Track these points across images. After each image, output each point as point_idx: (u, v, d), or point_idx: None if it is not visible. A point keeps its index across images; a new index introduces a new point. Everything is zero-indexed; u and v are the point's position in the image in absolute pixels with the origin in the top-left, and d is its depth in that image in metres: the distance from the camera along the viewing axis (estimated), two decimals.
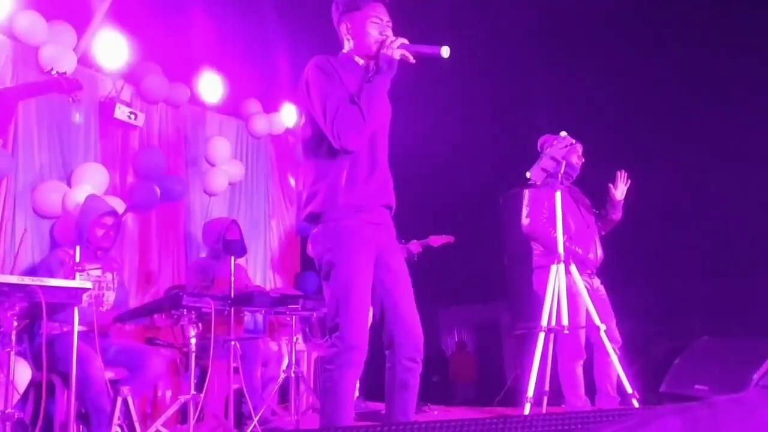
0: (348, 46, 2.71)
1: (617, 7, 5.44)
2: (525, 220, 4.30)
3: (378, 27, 2.64)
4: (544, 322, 3.68)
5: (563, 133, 3.78)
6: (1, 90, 2.39)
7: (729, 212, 6.31)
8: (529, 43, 5.71)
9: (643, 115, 6.26)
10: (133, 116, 5.19)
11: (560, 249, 3.78)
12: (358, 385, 3.80)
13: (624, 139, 6.40)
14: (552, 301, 3.68)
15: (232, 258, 4.35)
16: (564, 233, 4.12)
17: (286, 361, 4.84)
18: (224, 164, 6.08)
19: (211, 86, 5.97)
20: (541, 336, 3.67)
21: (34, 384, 3.65)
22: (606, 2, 5.32)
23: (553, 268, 3.74)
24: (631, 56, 5.87)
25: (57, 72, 2.63)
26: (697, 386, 4.52)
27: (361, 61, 2.68)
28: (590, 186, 4.45)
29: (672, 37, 5.74)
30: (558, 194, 3.83)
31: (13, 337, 2.95)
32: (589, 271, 4.26)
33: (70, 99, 2.78)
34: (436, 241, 5.50)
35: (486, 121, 6.16)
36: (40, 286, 2.90)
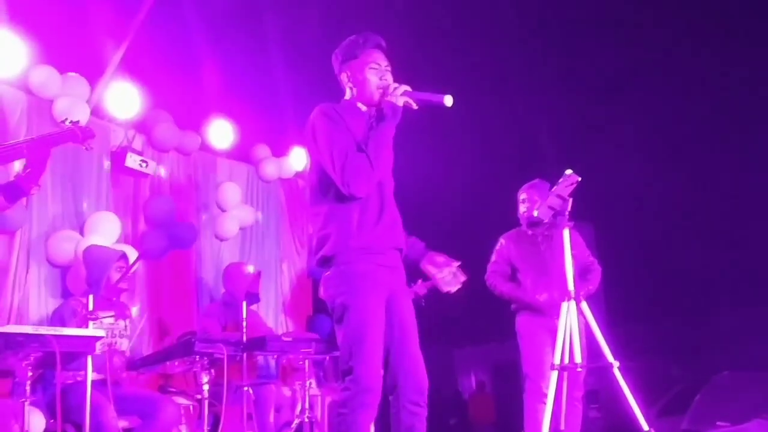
0: (350, 93, 2.77)
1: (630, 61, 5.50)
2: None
3: (377, 73, 2.70)
4: (556, 360, 3.65)
5: (569, 171, 3.80)
6: (19, 143, 2.45)
7: (747, 243, 6.28)
8: (537, 77, 5.78)
9: (661, 153, 6.27)
10: (144, 164, 5.27)
11: (570, 286, 3.77)
12: (373, 429, 3.77)
13: (637, 178, 6.42)
14: (564, 338, 3.66)
15: (244, 303, 4.36)
16: (522, 280, 4.38)
17: (299, 406, 4.80)
18: (235, 209, 6.13)
19: (221, 133, 6.05)
20: (554, 374, 3.64)
21: None
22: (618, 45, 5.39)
23: (564, 305, 3.73)
24: (647, 99, 5.90)
25: (71, 122, 2.70)
26: (719, 422, 4.45)
27: (363, 108, 2.73)
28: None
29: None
30: (566, 232, 3.84)
31: (28, 387, 2.97)
32: (549, 314, 4.26)
33: (84, 147, 2.85)
34: (421, 288, 5.43)
35: (501, 159, 6.20)
36: (55, 336, 2.92)
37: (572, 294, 3.74)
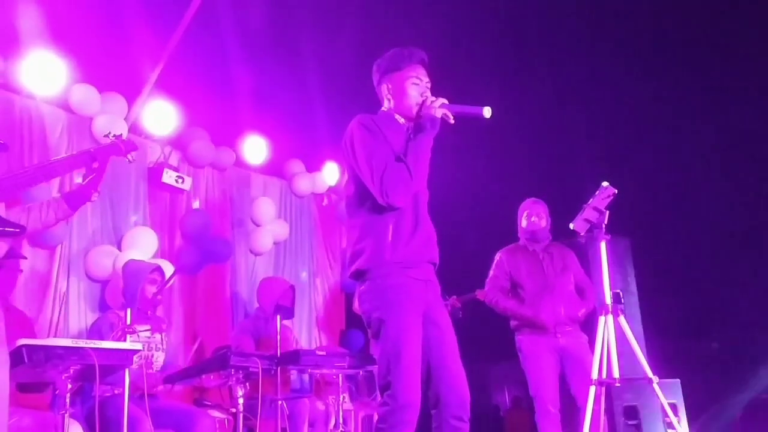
0: (388, 105, 2.77)
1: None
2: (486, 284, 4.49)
3: (418, 88, 2.70)
4: (594, 375, 3.59)
5: (605, 183, 3.76)
6: (82, 152, 2.58)
7: None
8: (572, 87, 5.73)
9: (702, 165, 6.14)
10: (180, 180, 5.34)
11: (607, 300, 3.71)
12: None
13: (676, 191, 6.31)
14: (602, 352, 3.60)
15: (278, 317, 4.38)
16: (524, 296, 4.32)
17: (333, 421, 4.80)
18: (269, 224, 6.18)
19: (255, 149, 6.12)
20: (592, 389, 3.58)
21: None
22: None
23: (601, 319, 3.67)
24: (686, 108, 5.81)
25: (113, 135, 2.80)
26: None
27: (401, 120, 2.73)
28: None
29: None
30: (603, 245, 3.79)
31: (68, 400, 3.01)
32: (552, 332, 4.24)
33: (128, 159, 2.96)
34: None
35: (533, 172, 6.16)
36: (94, 349, 2.97)
37: (609, 308, 3.68)
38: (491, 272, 4.53)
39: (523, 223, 4.50)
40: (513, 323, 4.43)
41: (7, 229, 2.29)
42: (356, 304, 5.97)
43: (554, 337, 4.24)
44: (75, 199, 2.56)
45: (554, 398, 4.12)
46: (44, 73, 4.45)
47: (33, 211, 2.51)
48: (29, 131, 4.52)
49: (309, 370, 4.92)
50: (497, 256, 4.54)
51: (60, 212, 2.54)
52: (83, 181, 2.57)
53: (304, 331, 6.44)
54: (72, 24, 4.38)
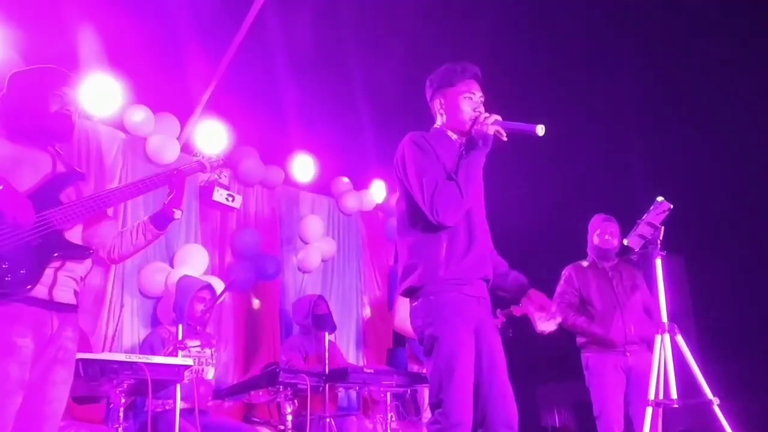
0: (440, 120, 2.77)
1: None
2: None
3: (471, 103, 2.69)
4: (651, 396, 3.48)
5: (660, 198, 3.67)
6: (162, 173, 2.68)
7: None
8: (627, 100, 5.63)
9: (761, 181, 5.94)
10: (230, 198, 5.43)
11: (664, 318, 3.61)
12: None
13: (732, 207, 6.12)
14: (659, 373, 3.49)
15: (326, 334, 4.39)
16: (594, 314, 4.26)
17: None
18: (317, 242, 6.22)
19: (303, 167, 6.18)
20: (649, 411, 3.47)
21: None
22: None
23: (658, 338, 3.57)
24: (743, 124, 5.64)
25: (203, 156, 2.88)
26: None
27: (454, 136, 2.72)
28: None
29: None
30: (658, 261, 3.69)
31: (121, 414, 3.06)
32: (621, 350, 4.18)
33: (216, 176, 3.04)
34: (519, 311, 5.34)
35: (585, 189, 6.06)
36: (146, 363, 3.02)
37: (666, 327, 3.57)
38: (559, 288, 4.46)
39: (595, 240, 4.43)
40: (580, 340, 4.37)
41: (77, 252, 2.36)
42: (396, 321, 5.98)
43: (623, 355, 4.18)
44: (160, 220, 2.63)
45: (619, 418, 4.03)
46: (102, 95, 4.59)
47: (125, 236, 2.60)
48: (86, 151, 4.66)
49: (357, 388, 4.91)
50: (565, 272, 4.48)
51: (149, 234, 2.61)
52: (166, 199, 2.65)
53: (351, 349, 6.43)
54: (128, 48, 4.51)
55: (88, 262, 2.43)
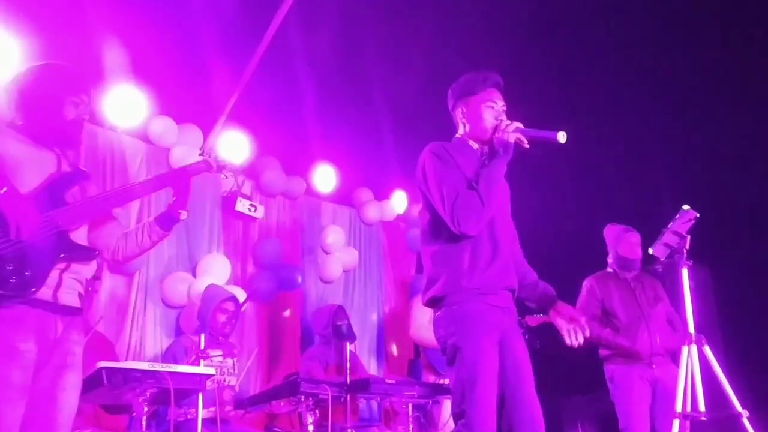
0: (462, 129, 2.76)
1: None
2: None
3: (493, 112, 2.68)
4: (678, 408, 3.42)
5: (686, 207, 3.62)
6: (164, 174, 2.67)
7: None
8: (652, 108, 5.58)
9: None
10: (253, 209, 5.45)
11: (691, 329, 3.55)
12: None
13: (760, 217, 6.02)
14: (686, 384, 3.43)
15: (347, 344, 4.38)
16: (618, 325, 4.18)
17: None
18: (338, 252, 6.22)
19: (325, 177, 6.20)
20: (676, 423, 3.41)
21: None
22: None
23: (685, 349, 3.51)
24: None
25: (208, 155, 2.85)
26: None
27: (475, 145, 2.71)
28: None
29: None
30: (684, 271, 3.63)
31: (144, 423, 3.07)
32: (646, 362, 4.12)
33: (223, 176, 3.03)
34: (534, 321, 5.26)
35: (611, 199, 6.01)
36: (169, 372, 3.03)
37: (693, 338, 3.51)
38: (581, 299, 4.37)
39: (621, 250, 4.37)
40: (603, 352, 4.29)
41: (83, 254, 2.35)
42: (411, 330, 5.95)
43: (649, 367, 4.11)
44: (166, 221, 2.58)
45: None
46: (126, 106, 4.65)
47: (130, 237, 2.56)
48: (111, 161, 4.71)
49: (378, 399, 4.88)
50: (587, 283, 4.40)
51: (154, 235, 2.57)
52: (171, 200, 2.60)
53: (373, 359, 6.41)
54: (152, 59, 4.56)
55: (94, 264, 2.40)
